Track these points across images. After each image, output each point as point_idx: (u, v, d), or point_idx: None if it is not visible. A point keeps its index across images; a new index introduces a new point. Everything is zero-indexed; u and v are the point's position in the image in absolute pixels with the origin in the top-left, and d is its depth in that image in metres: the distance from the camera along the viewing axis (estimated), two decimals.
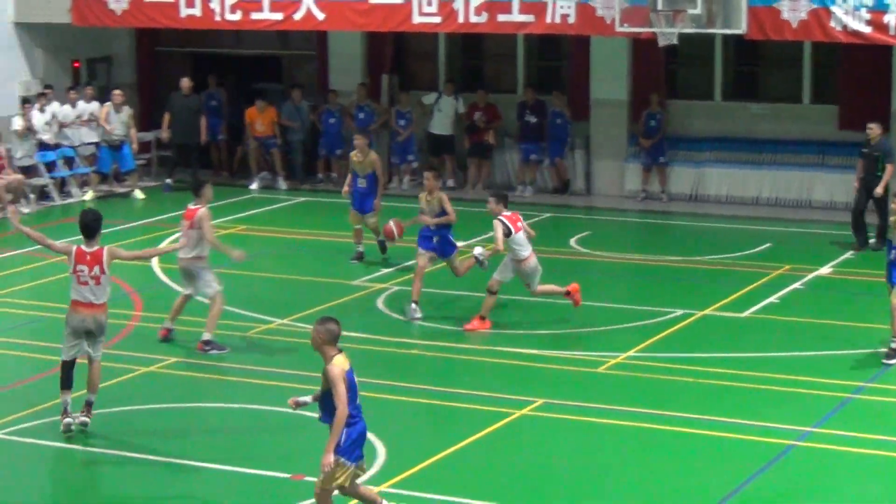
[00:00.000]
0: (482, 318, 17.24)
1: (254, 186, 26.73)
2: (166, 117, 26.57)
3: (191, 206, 16.42)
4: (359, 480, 11.11)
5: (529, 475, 12.62)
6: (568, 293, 17.55)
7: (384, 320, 17.81)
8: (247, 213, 24.36)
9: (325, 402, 10.79)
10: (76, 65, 28.26)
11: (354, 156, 20.46)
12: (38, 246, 14.59)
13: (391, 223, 18.72)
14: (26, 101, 25.74)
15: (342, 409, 10.61)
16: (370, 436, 11.52)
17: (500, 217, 16.93)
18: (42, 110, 25.81)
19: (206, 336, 16.27)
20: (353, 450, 10.85)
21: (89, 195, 25.97)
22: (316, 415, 10.99)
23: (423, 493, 12.10)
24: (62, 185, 26.23)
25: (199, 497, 12.29)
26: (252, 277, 19.54)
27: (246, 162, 27.47)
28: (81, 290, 13.51)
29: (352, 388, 10.78)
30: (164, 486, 12.45)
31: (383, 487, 11.98)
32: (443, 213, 17.87)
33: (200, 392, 15.29)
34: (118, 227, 22.69)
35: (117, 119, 26.08)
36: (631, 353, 16.20)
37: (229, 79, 28.66)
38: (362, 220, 20.53)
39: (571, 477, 12.68)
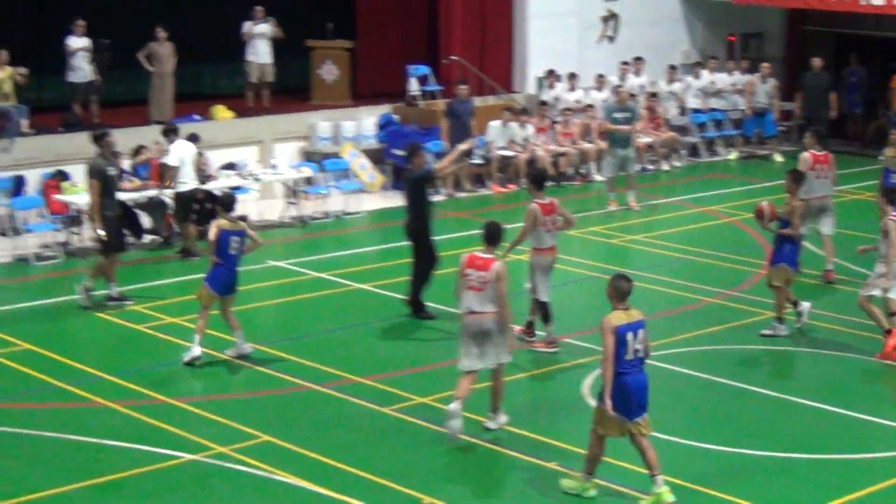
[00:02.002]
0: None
1: None
2: (798, 95, 28.75)
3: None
4: (644, 441, 11.46)
5: None
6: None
7: None
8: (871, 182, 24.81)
9: None
10: (731, 38, 31.56)
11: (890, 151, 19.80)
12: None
13: (764, 203, 16.92)
14: (672, 68, 29.30)
15: (604, 361, 11.37)
16: None
17: None
18: (697, 77, 29.29)
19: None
20: (620, 403, 11.31)
21: (733, 155, 29.19)
22: None
23: None
24: (710, 144, 29.60)
25: None
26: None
27: (879, 134, 28.93)
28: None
29: (621, 344, 11.29)
30: None
31: None
32: None
33: None
34: (754, 186, 25.72)
35: (762, 89, 29.06)
36: None
37: (872, 60, 30.48)
38: None
39: None
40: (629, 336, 11.38)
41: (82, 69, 23.62)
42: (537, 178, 16.17)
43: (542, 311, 15.80)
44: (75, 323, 17.33)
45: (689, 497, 11.83)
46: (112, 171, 17.83)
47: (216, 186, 21.63)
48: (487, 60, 28.46)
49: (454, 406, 12.86)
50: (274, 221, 22.91)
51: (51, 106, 25.14)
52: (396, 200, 24.56)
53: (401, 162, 25.21)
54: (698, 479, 12.23)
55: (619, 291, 11.55)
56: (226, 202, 15.79)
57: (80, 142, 22.38)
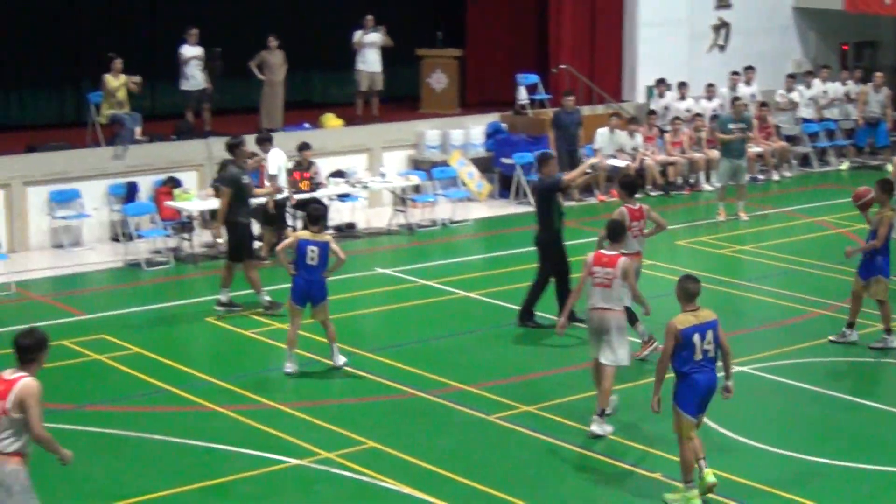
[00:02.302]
0: None
1: None
2: None
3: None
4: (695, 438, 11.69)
5: None
6: None
7: None
8: None
9: None
10: (845, 48, 31.15)
11: None
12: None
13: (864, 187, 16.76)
14: (791, 77, 28.97)
15: (659, 361, 11.76)
16: None
17: None
18: (809, 86, 28.93)
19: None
20: (690, 400, 11.56)
21: (845, 165, 28.78)
22: None
23: None
24: (822, 154, 29.19)
25: None
26: None
27: None
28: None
29: (686, 346, 11.48)
30: None
31: None
32: None
33: None
34: None
35: (875, 99, 28.62)
36: None
37: None
38: None
39: None
40: (696, 338, 11.55)
41: (195, 77, 23.93)
42: (627, 183, 16.26)
43: (628, 315, 15.51)
44: (185, 327, 17.57)
45: None
46: (246, 180, 17.97)
47: (325, 194, 21.81)
48: (597, 69, 28.40)
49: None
50: (382, 229, 23.03)
51: (164, 113, 25.52)
52: (504, 209, 24.66)
53: (508, 171, 25.29)
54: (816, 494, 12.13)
55: (686, 293, 11.72)
56: (312, 216, 15.74)
57: (192, 149, 22.76)
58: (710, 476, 11.76)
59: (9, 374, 9.73)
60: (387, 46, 25.90)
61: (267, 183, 20.02)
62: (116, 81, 22.55)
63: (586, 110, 26.64)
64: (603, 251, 13.64)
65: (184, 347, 16.88)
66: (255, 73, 24.66)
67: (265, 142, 20.37)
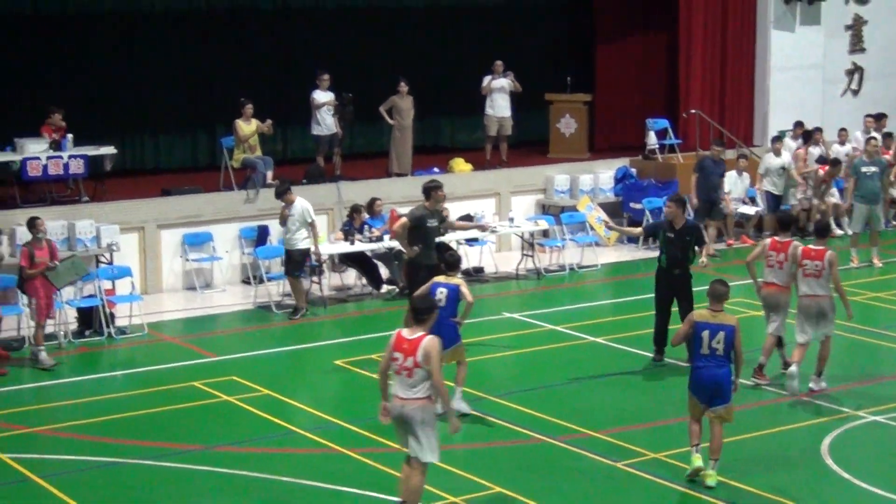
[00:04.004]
0: None
1: None
2: None
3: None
4: (716, 428, 13.00)
5: None
6: None
7: None
8: None
9: None
10: None
11: None
12: None
13: None
14: None
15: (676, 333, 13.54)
16: None
17: None
18: None
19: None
20: (697, 389, 13.07)
21: None
22: None
23: None
24: None
25: None
26: None
27: None
28: None
29: (695, 339, 13.01)
30: None
31: None
32: None
33: None
34: None
35: None
36: None
37: None
38: None
39: None
40: (705, 334, 13.01)
41: (326, 122, 24.20)
42: (783, 219, 17.30)
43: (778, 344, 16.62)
44: (314, 370, 17.68)
45: None
46: (432, 223, 17.85)
47: (452, 239, 21.85)
48: (728, 114, 28.15)
49: (793, 369, 15.61)
50: (510, 273, 23.01)
51: (294, 158, 25.83)
52: (632, 254, 24.50)
53: (637, 216, 25.13)
54: None
55: (713, 293, 13.28)
56: (449, 262, 15.75)
57: (322, 193, 22.98)
58: (696, 461, 13.04)
59: (407, 333, 11.70)
60: (516, 92, 25.96)
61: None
62: (248, 127, 22.89)
63: None
64: (811, 246, 16.04)
65: (313, 390, 16.98)
66: (384, 117, 24.86)
67: (286, 193, 20.18)
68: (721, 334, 12.97)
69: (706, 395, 13.10)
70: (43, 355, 17.69)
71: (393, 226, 18.81)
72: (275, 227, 22.26)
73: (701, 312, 13.26)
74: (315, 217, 20.47)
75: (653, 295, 17.42)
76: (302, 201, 20.26)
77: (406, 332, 11.68)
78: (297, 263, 20.34)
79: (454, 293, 15.26)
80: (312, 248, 20.28)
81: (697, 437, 13.16)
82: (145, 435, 14.84)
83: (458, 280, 15.52)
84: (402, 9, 28.16)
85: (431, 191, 17.93)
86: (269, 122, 23.04)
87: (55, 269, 17.94)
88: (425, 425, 11.67)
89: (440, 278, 15.49)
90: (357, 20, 27.54)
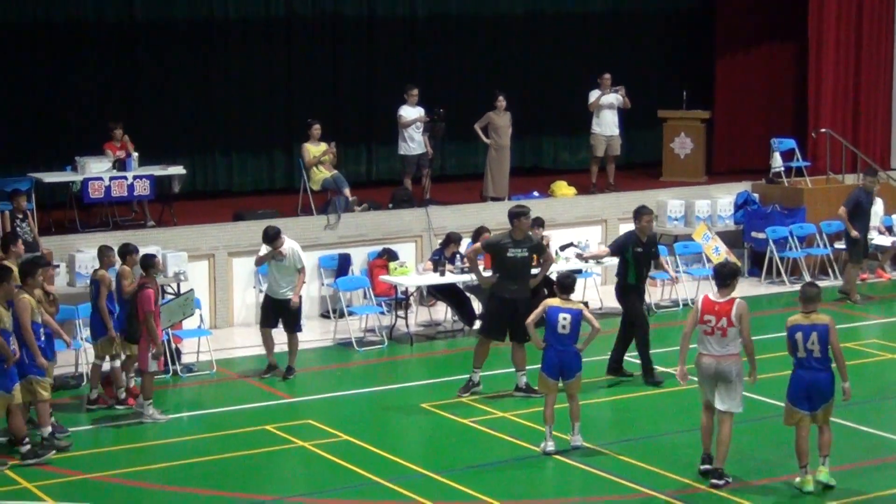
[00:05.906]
0: None
1: None
2: None
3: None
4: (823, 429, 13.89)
5: None
6: None
7: None
8: None
9: None
10: None
11: None
12: None
13: None
14: None
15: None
16: None
17: None
18: None
19: None
20: (796, 394, 13.97)
21: None
22: None
23: None
24: None
25: None
26: None
27: None
28: None
29: (792, 342, 13.96)
30: None
31: None
32: None
33: None
34: None
35: None
36: None
37: None
38: None
39: None
40: (798, 335, 13.99)
41: (414, 141, 24.29)
42: None
43: None
44: (398, 414, 17.71)
45: None
46: (512, 254, 17.81)
47: (554, 269, 21.77)
48: (861, 134, 27.88)
49: None
50: (617, 308, 22.87)
51: (380, 180, 25.97)
52: (754, 289, 24.30)
53: (760, 246, 24.93)
54: None
55: (803, 295, 14.18)
56: (563, 284, 15.95)
57: (410, 219, 23.06)
58: (812, 482, 13.96)
59: (713, 296, 14.37)
60: (625, 108, 25.92)
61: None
62: (316, 149, 23.03)
63: (849, 178, 26.12)
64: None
65: (396, 436, 17.00)
66: (479, 135, 24.88)
67: (276, 238, 18.95)
68: (814, 335, 13.90)
69: (807, 400, 14.01)
70: (152, 410, 17.10)
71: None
72: (358, 255, 22.38)
73: (794, 317, 14.16)
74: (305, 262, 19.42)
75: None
76: (292, 243, 19.29)
77: (712, 296, 14.28)
78: (297, 315, 19.35)
79: (577, 318, 15.64)
80: (293, 298, 19.04)
81: (807, 455, 13.99)
82: (213, 483, 14.93)
83: (580, 305, 15.95)
84: (500, 16, 28.24)
85: (514, 218, 18.00)
86: (332, 144, 23.11)
87: (169, 304, 17.86)
88: (739, 378, 14.18)
89: (555, 301, 15.78)
90: (449, 28, 27.67)
